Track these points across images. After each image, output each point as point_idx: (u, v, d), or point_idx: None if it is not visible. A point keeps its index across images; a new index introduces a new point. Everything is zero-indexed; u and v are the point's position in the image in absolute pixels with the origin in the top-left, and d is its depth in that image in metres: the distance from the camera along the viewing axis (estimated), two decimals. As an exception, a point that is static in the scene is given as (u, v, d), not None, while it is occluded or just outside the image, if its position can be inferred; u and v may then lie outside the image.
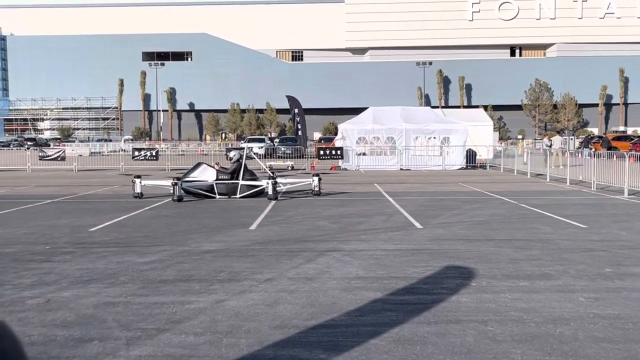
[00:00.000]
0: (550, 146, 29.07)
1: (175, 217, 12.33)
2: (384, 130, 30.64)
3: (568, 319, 5.39)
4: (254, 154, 21.77)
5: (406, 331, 5.04)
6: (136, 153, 32.81)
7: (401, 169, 29.84)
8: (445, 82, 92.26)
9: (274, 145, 46.85)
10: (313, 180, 16.57)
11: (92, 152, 48.44)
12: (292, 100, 41.94)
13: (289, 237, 9.77)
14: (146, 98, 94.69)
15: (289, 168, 30.00)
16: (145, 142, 76.84)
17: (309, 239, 9.57)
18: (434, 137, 30.87)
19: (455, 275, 7.05)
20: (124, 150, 45.02)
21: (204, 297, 6.14)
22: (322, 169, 28.26)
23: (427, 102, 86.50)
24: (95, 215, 12.68)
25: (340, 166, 30.97)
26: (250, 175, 16.51)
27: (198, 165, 16.76)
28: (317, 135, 74.56)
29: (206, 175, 16.22)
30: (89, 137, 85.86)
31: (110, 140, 70.87)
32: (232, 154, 16.87)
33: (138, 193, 15.90)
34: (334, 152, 30.84)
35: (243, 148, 18.07)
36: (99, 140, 71.32)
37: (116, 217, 12.21)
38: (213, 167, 16.49)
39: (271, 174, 16.64)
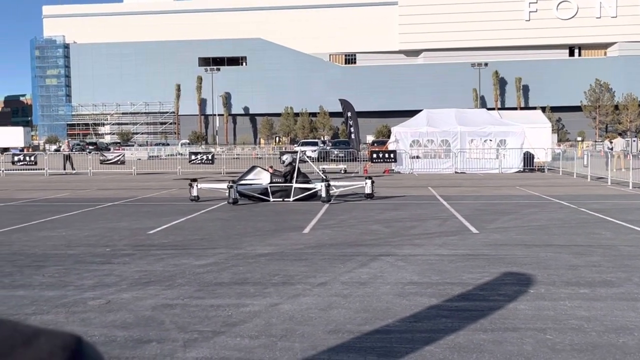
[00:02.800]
0: (612, 148, 28.16)
1: (231, 220, 12.50)
2: (438, 133, 30.31)
3: (632, 329, 5.20)
4: (307, 157, 21.86)
5: (462, 338, 4.96)
6: (193, 157, 33.48)
7: (456, 172, 29.44)
8: (502, 83, 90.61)
9: (327, 148, 46.97)
10: (366, 183, 16.53)
11: (150, 156, 49.62)
12: (345, 103, 41.94)
13: (342, 241, 9.76)
14: (202, 103, 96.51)
15: (342, 171, 30.02)
16: (201, 146, 78.24)
17: (362, 243, 9.55)
18: (490, 140, 30.34)
19: (513, 282, 6.91)
20: (181, 154, 45.98)
21: (258, 300, 6.20)
22: (375, 172, 28.16)
23: (483, 104, 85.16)
24: (153, 218, 12.99)
25: (393, 169, 30.79)
26: (304, 178, 16.60)
27: (252, 168, 16.96)
28: (370, 138, 74.42)
29: (260, 178, 16.41)
30: (147, 141, 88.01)
31: (168, 144, 72.32)
32: (285, 157, 17.00)
33: (195, 196, 16.21)
34: (387, 155, 30.70)
35: (296, 151, 18.20)
36: (157, 144, 72.95)
37: (174, 220, 12.47)
38: (267, 170, 16.67)
39: (324, 177, 16.69)
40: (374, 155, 31.18)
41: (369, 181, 16.56)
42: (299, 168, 16.45)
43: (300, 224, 11.83)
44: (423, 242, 9.59)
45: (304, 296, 6.35)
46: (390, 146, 32.15)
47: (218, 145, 78.22)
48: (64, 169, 32.30)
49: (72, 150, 34.47)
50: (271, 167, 17.40)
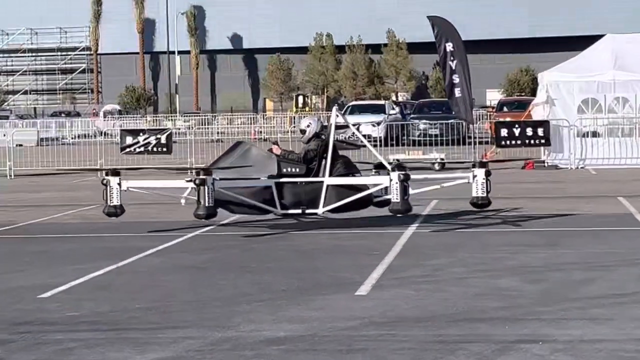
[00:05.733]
0: None
1: (207, 269, 12.60)
2: (637, 84, 30.08)
3: None
4: (364, 136, 21.65)
5: None
6: (129, 139, 34.00)
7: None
8: None
9: (406, 119, 46.99)
10: (473, 178, 16.28)
11: (43, 139, 51.10)
12: (440, 25, 41.74)
13: (439, 312, 9.75)
14: (146, 28, 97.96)
15: (436, 165, 30.04)
16: (145, 116, 79.20)
17: (480, 317, 9.53)
18: None
19: None
20: (107, 134, 47.16)
21: None
22: (505, 166, 28.02)
23: None
24: (52, 265, 13.17)
25: (544, 160, 30.70)
26: (346, 166, 16.48)
27: (237, 146, 16.90)
28: (494, 97, 74.20)
29: (255, 165, 16.10)
30: (35, 108, 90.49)
31: (78, 115, 75.80)
32: (305, 122, 17.01)
33: (114, 206, 16.08)
34: (530, 131, 30.56)
35: (319, 118, 18.31)
36: (54, 115, 75.90)
37: (92, 270, 12.59)
38: (270, 151, 16.54)
39: (394, 165, 16.70)
40: (503, 132, 31.08)
41: (479, 172, 16.29)
42: (334, 146, 16.25)
43: (349, 275, 11.87)
44: (607, 313, 9.54)
45: None
46: (536, 113, 32.02)
47: (179, 115, 78.90)
48: None
49: None
50: (275, 143, 17.44)
